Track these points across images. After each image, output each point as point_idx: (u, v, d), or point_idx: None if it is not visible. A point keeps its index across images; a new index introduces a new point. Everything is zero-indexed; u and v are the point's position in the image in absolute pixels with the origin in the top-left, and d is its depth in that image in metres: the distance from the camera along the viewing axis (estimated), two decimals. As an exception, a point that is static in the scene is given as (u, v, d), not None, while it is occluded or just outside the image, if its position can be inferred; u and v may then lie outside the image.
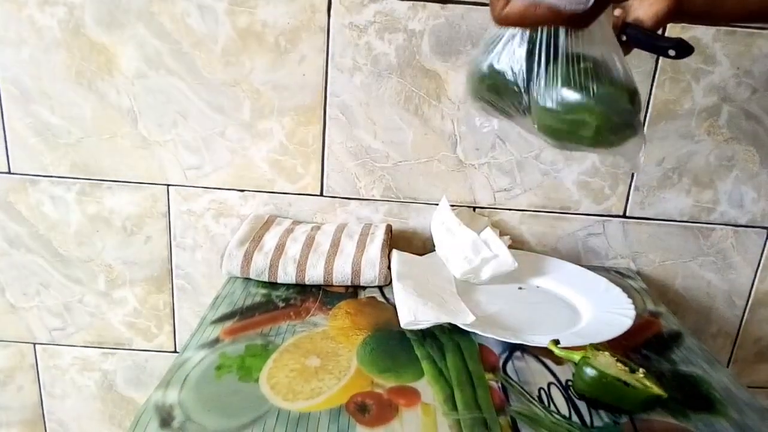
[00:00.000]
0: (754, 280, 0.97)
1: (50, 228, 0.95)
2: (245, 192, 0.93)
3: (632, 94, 0.53)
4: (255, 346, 0.65)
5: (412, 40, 0.85)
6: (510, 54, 0.53)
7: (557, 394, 0.60)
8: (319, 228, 0.89)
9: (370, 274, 0.79)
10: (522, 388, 0.61)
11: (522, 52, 0.52)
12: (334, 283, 0.80)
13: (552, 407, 0.58)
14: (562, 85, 0.51)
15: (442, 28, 0.84)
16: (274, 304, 0.75)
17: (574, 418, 0.56)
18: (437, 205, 0.91)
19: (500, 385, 0.61)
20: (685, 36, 0.82)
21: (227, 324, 0.70)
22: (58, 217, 0.94)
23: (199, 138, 0.90)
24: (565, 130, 0.54)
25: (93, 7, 0.83)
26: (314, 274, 0.79)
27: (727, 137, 0.89)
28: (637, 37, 0.56)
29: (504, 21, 0.49)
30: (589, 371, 0.57)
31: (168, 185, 0.92)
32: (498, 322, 0.73)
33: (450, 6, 0.83)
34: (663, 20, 0.57)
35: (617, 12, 0.59)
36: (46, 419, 1.08)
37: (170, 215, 0.94)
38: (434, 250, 0.89)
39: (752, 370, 1.02)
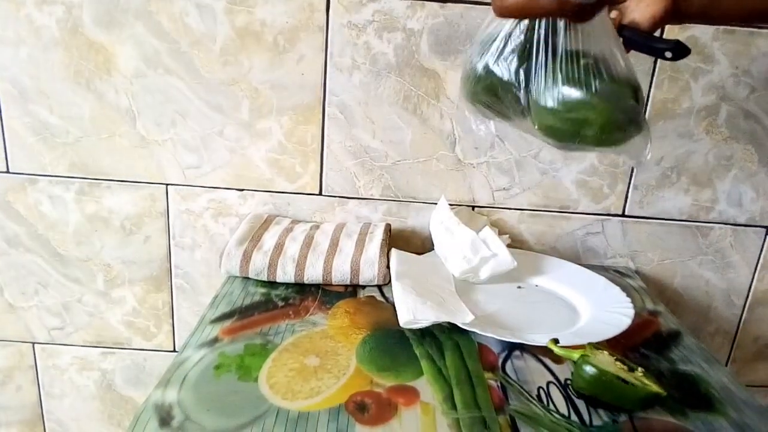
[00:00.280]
0: (752, 279, 0.97)
1: (49, 227, 0.95)
2: (244, 191, 0.93)
3: (635, 90, 0.52)
4: (254, 345, 0.65)
5: (410, 39, 0.85)
6: (507, 52, 0.52)
7: (556, 393, 0.60)
8: (318, 227, 0.89)
9: (369, 273, 0.79)
10: (521, 387, 0.61)
11: (520, 49, 0.51)
12: (333, 283, 0.80)
13: (551, 406, 0.58)
14: (563, 82, 0.50)
15: (441, 27, 0.84)
16: (273, 304, 0.75)
17: (574, 416, 0.57)
18: (436, 204, 0.91)
19: (499, 384, 0.61)
20: (683, 35, 0.83)
21: (226, 323, 0.70)
22: (56, 216, 0.94)
23: (198, 137, 0.90)
24: (567, 130, 0.53)
25: (91, 7, 0.83)
26: (313, 274, 0.79)
27: (725, 136, 0.89)
28: (634, 39, 0.56)
29: (506, 11, 0.47)
30: (589, 370, 0.57)
31: (167, 185, 0.92)
32: (497, 321, 0.73)
33: (449, 5, 0.83)
34: (659, 22, 0.57)
35: (613, 14, 0.58)
36: (45, 419, 1.08)
37: (169, 215, 0.94)
38: (433, 250, 0.89)
39: (751, 369, 1.03)
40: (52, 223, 0.95)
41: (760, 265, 0.96)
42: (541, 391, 0.60)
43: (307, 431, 0.52)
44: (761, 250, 0.95)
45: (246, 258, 0.79)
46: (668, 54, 0.54)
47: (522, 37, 0.51)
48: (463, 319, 0.69)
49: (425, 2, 0.83)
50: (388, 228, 0.90)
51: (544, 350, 0.63)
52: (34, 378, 1.05)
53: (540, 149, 0.90)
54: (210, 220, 0.94)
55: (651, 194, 0.92)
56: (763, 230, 0.94)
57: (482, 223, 0.89)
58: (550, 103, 0.51)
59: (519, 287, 0.83)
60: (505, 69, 0.52)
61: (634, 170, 0.91)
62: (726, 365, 1.01)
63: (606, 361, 0.58)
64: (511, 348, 0.67)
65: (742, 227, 0.94)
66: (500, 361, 0.65)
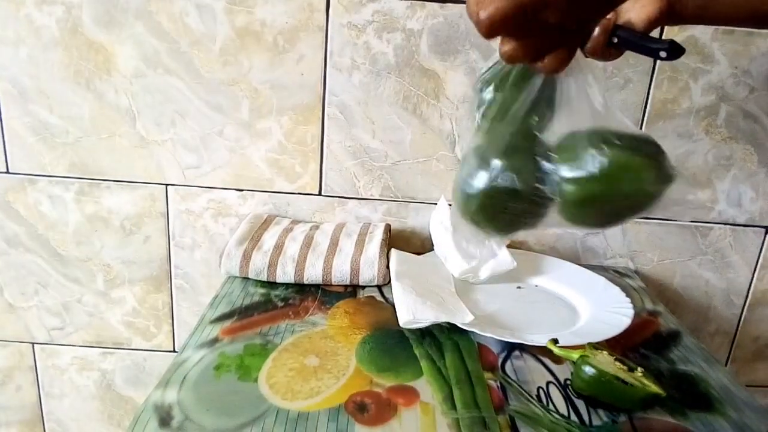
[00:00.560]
0: (752, 279, 0.97)
1: (49, 227, 0.95)
2: (244, 191, 0.93)
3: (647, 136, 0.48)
4: (254, 345, 0.65)
5: (410, 39, 0.85)
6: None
7: (556, 393, 0.60)
8: (317, 227, 0.89)
9: (369, 273, 0.79)
10: (521, 387, 0.61)
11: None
12: (333, 283, 0.80)
13: (551, 406, 0.58)
14: (589, 144, 0.45)
15: (440, 28, 0.84)
16: (272, 304, 0.75)
17: (573, 417, 0.57)
18: (436, 204, 0.91)
19: (499, 384, 0.61)
20: (683, 35, 0.83)
21: (226, 323, 0.70)
22: (56, 216, 0.94)
23: (198, 137, 0.90)
24: (605, 194, 0.46)
25: (91, 7, 0.83)
26: (313, 274, 0.79)
27: (725, 136, 0.89)
28: (628, 39, 0.56)
29: (489, 26, 0.36)
30: (588, 370, 0.57)
31: (166, 185, 0.92)
32: (497, 321, 0.73)
33: (449, 5, 0.83)
34: (655, 23, 0.57)
35: (608, 15, 0.58)
36: (44, 419, 1.08)
37: (169, 215, 0.94)
38: (433, 250, 0.89)
39: (750, 369, 1.03)
40: (52, 223, 0.95)
41: (759, 265, 0.96)
42: (541, 391, 0.60)
43: (306, 431, 0.52)
44: (761, 250, 0.95)
45: (246, 258, 0.79)
46: (663, 54, 0.54)
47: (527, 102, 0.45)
48: (463, 319, 0.69)
49: (425, 2, 0.83)
50: (387, 228, 0.90)
51: (544, 350, 0.63)
52: (33, 378, 1.05)
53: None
54: (210, 220, 0.94)
55: (650, 194, 0.92)
56: (763, 230, 0.94)
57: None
58: (584, 171, 0.45)
59: (519, 287, 0.83)
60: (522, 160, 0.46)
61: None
62: (726, 365, 1.01)
63: (605, 361, 0.58)
64: (510, 348, 0.67)
65: (742, 227, 0.94)
66: (500, 361, 0.65)
